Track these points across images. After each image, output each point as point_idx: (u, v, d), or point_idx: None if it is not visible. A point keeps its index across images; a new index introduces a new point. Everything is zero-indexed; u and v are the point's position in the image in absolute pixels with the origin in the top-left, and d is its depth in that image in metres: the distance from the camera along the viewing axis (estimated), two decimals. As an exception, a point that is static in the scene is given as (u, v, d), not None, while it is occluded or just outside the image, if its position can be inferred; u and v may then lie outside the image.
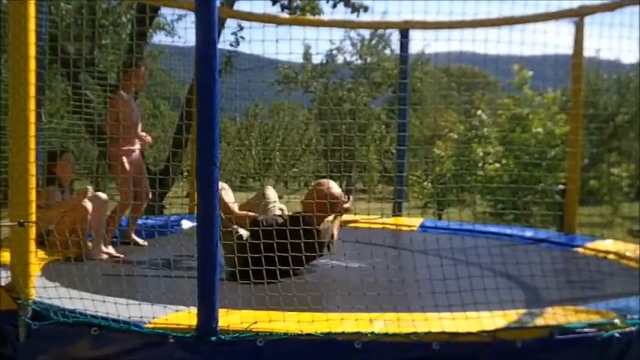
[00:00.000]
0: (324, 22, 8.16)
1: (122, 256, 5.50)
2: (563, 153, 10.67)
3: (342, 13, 11.24)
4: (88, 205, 5.36)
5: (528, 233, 6.81)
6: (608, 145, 16.84)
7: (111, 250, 5.60)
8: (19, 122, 3.57)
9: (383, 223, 7.14)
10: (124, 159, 5.82)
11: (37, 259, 3.79)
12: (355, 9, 11.11)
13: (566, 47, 6.58)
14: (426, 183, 15.20)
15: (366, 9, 10.94)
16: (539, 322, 3.37)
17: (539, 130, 12.37)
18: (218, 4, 3.23)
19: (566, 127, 12.01)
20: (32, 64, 3.59)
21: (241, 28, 11.06)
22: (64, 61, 7.43)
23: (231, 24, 10.56)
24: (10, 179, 3.61)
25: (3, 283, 3.61)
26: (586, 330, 3.24)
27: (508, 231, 6.84)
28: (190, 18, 7.04)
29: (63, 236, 5.08)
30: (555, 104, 12.76)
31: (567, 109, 8.09)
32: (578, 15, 6.58)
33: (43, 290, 3.66)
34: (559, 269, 4.63)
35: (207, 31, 3.15)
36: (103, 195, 5.58)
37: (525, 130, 12.53)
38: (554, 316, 3.39)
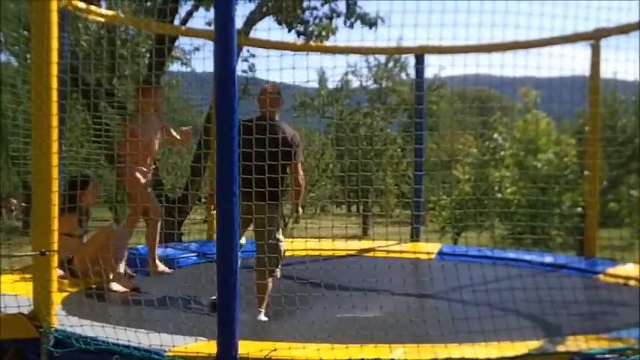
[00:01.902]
0: (340, 48, 8.20)
1: (140, 287, 5.51)
2: (577, 174, 10.65)
3: (358, 29, 11.26)
4: (117, 229, 5.42)
5: (548, 259, 6.74)
6: (627, 167, 16.72)
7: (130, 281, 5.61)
8: (41, 152, 3.62)
9: (400, 251, 7.09)
10: (137, 174, 5.81)
11: (59, 289, 3.82)
12: (372, 24, 11.14)
13: (582, 70, 6.58)
14: (443, 205, 15.15)
15: (383, 20, 10.96)
16: (561, 348, 3.34)
17: (550, 155, 12.41)
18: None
19: (573, 150, 12.07)
20: (54, 95, 3.66)
21: (253, 56, 11.20)
22: (84, 92, 7.54)
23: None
24: (32, 208, 3.66)
25: (25, 312, 3.65)
26: (607, 356, 3.21)
27: (527, 257, 6.78)
28: (208, 47, 7.12)
29: (84, 264, 5.11)
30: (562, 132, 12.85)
31: (583, 133, 8.06)
32: (594, 38, 6.58)
33: (64, 318, 3.69)
34: (579, 296, 4.58)
35: (226, 59, 3.19)
36: (118, 226, 5.67)
37: (536, 154, 12.56)
38: (576, 342, 3.37)
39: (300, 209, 5.40)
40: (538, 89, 12.64)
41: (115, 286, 5.29)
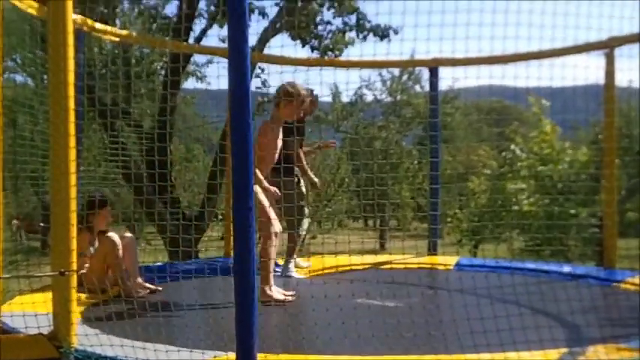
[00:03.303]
0: (353, 62, 8.25)
1: (160, 288, 5.56)
2: (593, 182, 10.60)
3: (371, 42, 11.34)
4: (115, 237, 5.44)
5: (566, 269, 6.70)
6: (645, 176, 16.60)
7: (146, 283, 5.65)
8: (59, 172, 3.66)
9: (419, 263, 7.09)
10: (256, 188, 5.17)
11: (77, 303, 3.84)
12: (384, 36, 11.19)
13: (595, 79, 6.55)
14: (461, 218, 15.11)
15: (396, 32, 11.00)
16: (581, 360, 3.32)
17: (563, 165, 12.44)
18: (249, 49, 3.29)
19: (586, 156, 12.05)
20: (72, 116, 3.70)
21: (262, 70, 11.30)
22: (101, 111, 7.62)
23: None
24: (51, 229, 3.69)
25: (45, 332, 3.67)
26: (629, 367, 3.18)
27: (545, 267, 6.74)
28: (222, 63, 7.18)
29: (92, 282, 5.15)
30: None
31: (599, 143, 8.03)
32: (608, 47, 6.55)
33: (84, 337, 3.71)
34: (599, 305, 4.55)
35: (241, 77, 3.21)
36: (128, 233, 5.70)
37: (548, 164, 12.58)
38: (596, 353, 3.34)
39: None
40: (551, 99, 12.63)
41: (133, 290, 5.33)
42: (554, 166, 12.66)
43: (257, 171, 5.10)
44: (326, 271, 6.66)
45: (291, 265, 6.49)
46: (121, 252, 5.44)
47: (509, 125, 15.45)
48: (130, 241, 5.61)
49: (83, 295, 4.90)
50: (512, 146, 14.40)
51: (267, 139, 5.36)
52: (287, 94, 5.39)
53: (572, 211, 11.55)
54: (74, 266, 3.62)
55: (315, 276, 6.55)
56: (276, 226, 5.39)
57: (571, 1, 7.37)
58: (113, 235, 5.51)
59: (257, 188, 5.20)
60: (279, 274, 6.26)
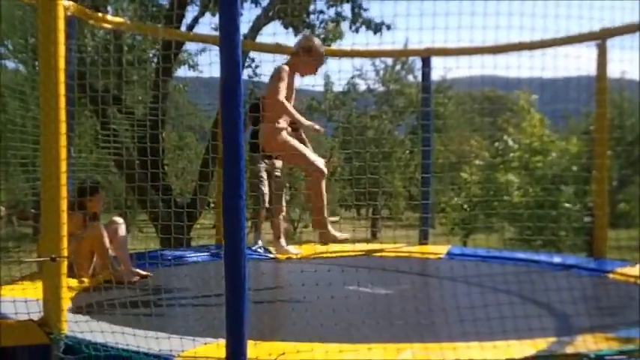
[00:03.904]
0: (347, 51, 8.22)
1: (151, 274, 5.57)
2: (584, 172, 10.66)
3: (364, 34, 11.27)
4: (100, 226, 5.46)
5: (557, 259, 6.74)
6: (636, 166, 16.70)
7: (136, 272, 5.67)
8: (50, 159, 3.65)
9: (409, 252, 7.11)
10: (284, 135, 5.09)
11: (67, 289, 3.84)
12: (377, 30, 11.15)
13: (587, 70, 6.56)
14: (453, 206, 15.14)
15: (388, 27, 10.95)
16: (569, 349, 3.34)
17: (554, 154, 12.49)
18: (241, 37, 3.28)
19: (577, 147, 12.10)
20: (62, 102, 3.69)
21: (252, 60, 11.27)
22: (93, 98, 7.58)
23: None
24: (42, 215, 3.69)
25: (36, 318, 3.67)
26: (616, 357, 3.20)
27: (536, 257, 6.77)
28: (214, 51, 7.14)
29: (85, 264, 5.17)
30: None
31: (590, 133, 8.05)
32: (600, 38, 6.56)
33: (74, 324, 3.71)
34: (589, 295, 4.57)
35: (232, 66, 3.21)
36: (118, 219, 5.70)
37: (543, 155, 12.63)
38: (585, 343, 3.36)
39: None
40: (542, 90, 12.67)
41: (126, 276, 5.35)
42: (544, 157, 12.73)
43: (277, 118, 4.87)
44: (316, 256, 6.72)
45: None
46: (107, 240, 5.45)
47: (502, 115, 15.50)
48: (118, 227, 5.61)
49: (73, 281, 4.90)
50: (505, 137, 14.45)
51: (287, 82, 4.95)
52: (308, 48, 5.14)
53: (564, 202, 11.60)
54: (65, 252, 3.62)
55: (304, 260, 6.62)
56: (320, 163, 5.16)
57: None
58: (98, 225, 5.52)
59: (285, 135, 5.03)
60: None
